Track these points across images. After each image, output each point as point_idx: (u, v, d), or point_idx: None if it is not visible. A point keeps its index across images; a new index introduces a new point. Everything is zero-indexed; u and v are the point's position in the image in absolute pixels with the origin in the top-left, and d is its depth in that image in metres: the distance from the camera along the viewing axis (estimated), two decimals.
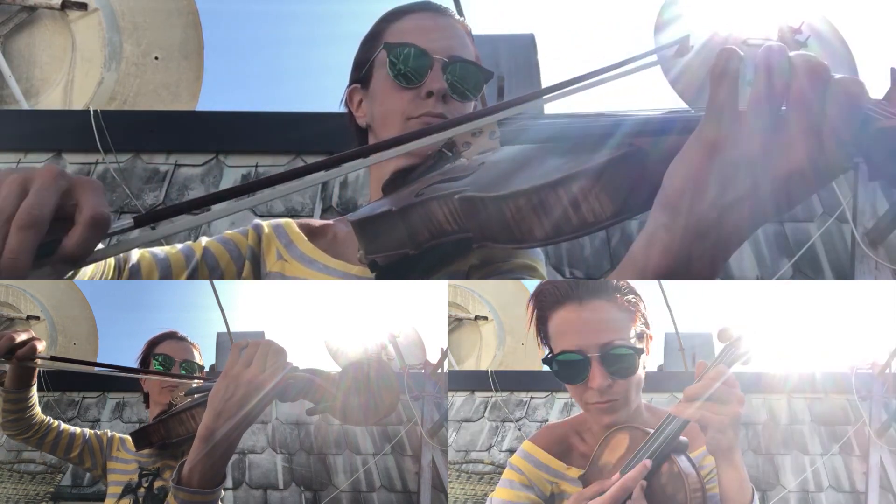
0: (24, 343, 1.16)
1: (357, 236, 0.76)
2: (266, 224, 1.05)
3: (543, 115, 0.70)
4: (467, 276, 0.90)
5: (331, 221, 1.07)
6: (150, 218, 0.61)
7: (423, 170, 0.79)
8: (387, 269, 0.81)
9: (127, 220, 0.59)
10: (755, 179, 0.47)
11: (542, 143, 0.68)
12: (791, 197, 0.48)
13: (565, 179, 0.58)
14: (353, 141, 1.10)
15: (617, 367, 0.90)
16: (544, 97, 0.71)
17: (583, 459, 0.97)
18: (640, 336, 0.94)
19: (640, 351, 0.93)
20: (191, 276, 0.97)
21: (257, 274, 1.02)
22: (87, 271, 0.80)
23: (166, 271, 0.96)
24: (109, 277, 0.89)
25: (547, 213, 0.59)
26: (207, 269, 0.99)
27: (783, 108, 0.48)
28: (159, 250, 0.98)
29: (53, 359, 1.34)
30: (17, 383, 1.35)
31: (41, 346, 1.19)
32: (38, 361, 1.22)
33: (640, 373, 0.94)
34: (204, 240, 1.02)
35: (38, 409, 1.44)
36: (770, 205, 0.48)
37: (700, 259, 0.51)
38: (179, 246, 1.01)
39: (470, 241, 0.66)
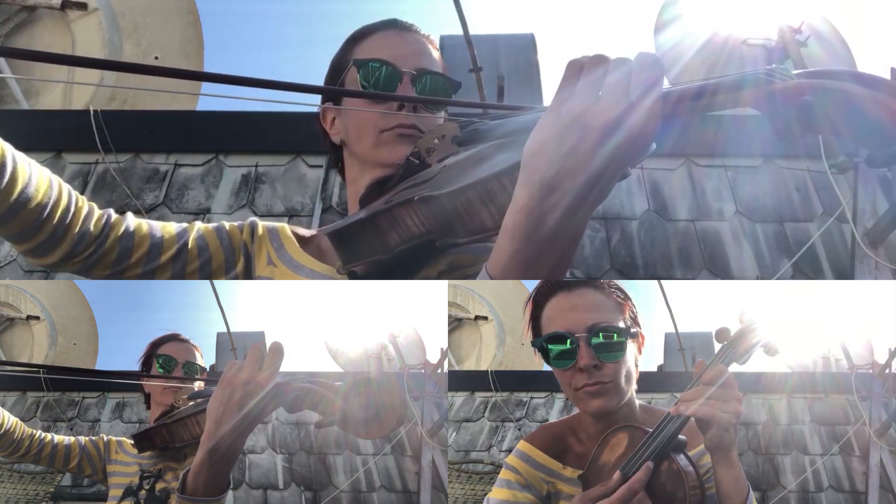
0: None
1: (334, 248, 0.78)
2: (261, 225, 1.06)
3: (495, 114, 0.74)
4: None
5: (315, 232, 1.09)
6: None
7: (396, 180, 0.82)
8: (365, 279, 0.83)
9: None
10: (583, 132, 0.57)
11: (498, 140, 0.72)
12: (618, 153, 0.57)
13: (508, 168, 0.63)
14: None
15: (604, 348, 0.93)
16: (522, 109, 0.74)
17: (579, 459, 0.98)
18: (629, 328, 0.96)
19: (628, 334, 0.95)
20: (177, 255, 0.99)
21: (248, 271, 1.04)
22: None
23: (157, 248, 0.98)
24: (97, 229, 0.93)
25: (493, 202, 0.65)
26: (197, 250, 1.00)
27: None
28: (157, 225, 1.00)
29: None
30: None
31: None
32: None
33: (631, 365, 0.96)
34: (199, 224, 1.05)
35: (18, 426, 1.43)
36: (598, 157, 0.57)
37: (552, 212, 0.58)
38: (174, 226, 1.02)
39: (433, 242, 0.71)
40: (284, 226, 1.07)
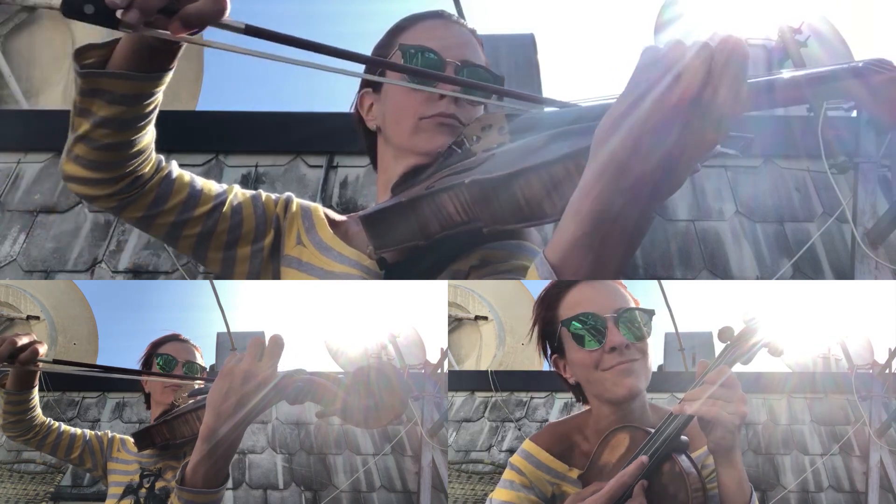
0: (25, 347, 1.17)
1: (366, 232, 0.77)
2: (296, 202, 1.07)
3: (547, 108, 0.72)
4: (467, 276, 0.90)
5: (345, 218, 1.08)
6: (256, 31, 0.70)
7: (433, 169, 0.80)
8: (394, 266, 0.81)
9: (241, 24, 0.69)
10: (659, 116, 0.54)
11: (547, 132, 0.69)
12: (695, 142, 0.55)
13: (573, 154, 0.60)
14: (358, 142, 1.11)
15: (632, 328, 0.95)
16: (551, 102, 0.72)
17: (585, 459, 0.97)
18: (650, 313, 0.99)
19: (652, 313, 0.98)
20: (211, 211, 0.99)
21: (276, 246, 1.03)
22: (145, 138, 0.92)
23: (195, 199, 0.99)
24: (151, 169, 0.94)
25: (556, 188, 0.62)
26: (231, 211, 1.01)
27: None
28: (198, 179, 1.01)
29: (56, 362, 1.34)
30: (19, 385, 1.35)
31: (42, 350, 1.20)
32: (40, 364, 1.22)
33: (651, 346, 0.98)
34: (237, 188, 1.05)
35: (39, 411, 1.45)
36: (676, 139, 0.55)
37: (621, 196, 0.56)
38: (214, 184, 1.03)
39: (476, 234, 0.68)
40: (318, 206, 1.07)
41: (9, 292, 3.80)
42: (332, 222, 1.05)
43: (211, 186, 1.01)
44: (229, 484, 3.18)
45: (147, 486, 1.42)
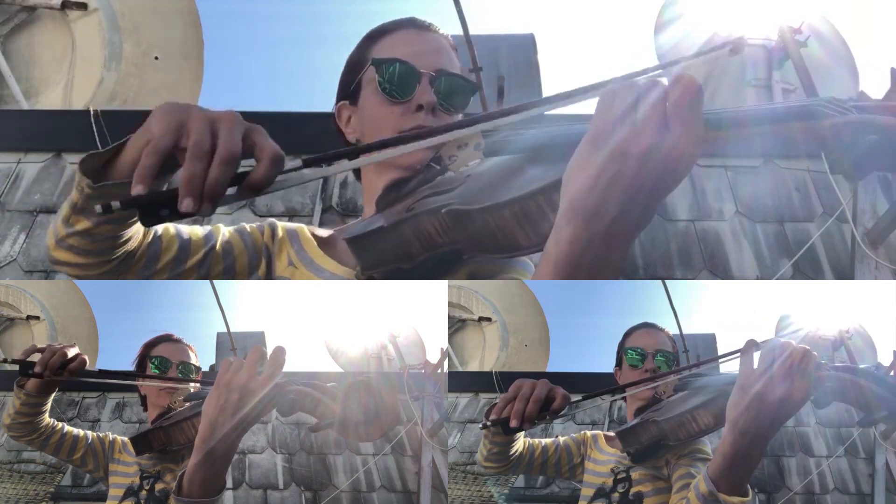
0: (74, 358, 1.23)
1: (353, 253, 0.77)
2: (281, 226, 1.06)
3: (525, 126, 0.72)
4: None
5: (332, 232, 1.08)
6: (317, 160, 0.72)
7: (414, 184, 0.81)
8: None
9: (297, 162, 0.71)
10: (623, 160, 0.56)
11: (525, 152, 0.70)
12: (659, 178, 0.57)
13: (545, 188, 0.62)
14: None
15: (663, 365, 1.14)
16: (537, 107, 0.71)
17: None
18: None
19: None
20: (203, 260, 0.99)
21: (269, 273, 1.04)
22: (130, 232, 0.88)
23: (185, 250, 0.98)
24: (139, 242, 0.92)
25: (529, 222, 0.63)
26: (222, 253, 1.01)
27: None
28: (184, 229, 1.00)
29: (102, 373, 1.35)
30: (43, 390, 1.36)
31: (87, 361, 1.26)
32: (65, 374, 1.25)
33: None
34: (223, 227, 1.04)
35: (48, 413, 1.44)
36: (644, 184, 0.56)
37: (599, 243, 0.58)
38: (200, 229, 1.02)
39: (460, 254, 0.69)
40: (303, 227, 1.07)
41: (9, 292, 3.80)
42: (319, 240, 1.04)
43: (197, 232, 1.01)
44: (229, 484, 3.19)
45: (147, 487, 1.42)
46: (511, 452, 1.44)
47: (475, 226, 0.66)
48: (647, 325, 1.63)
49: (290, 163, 0.70)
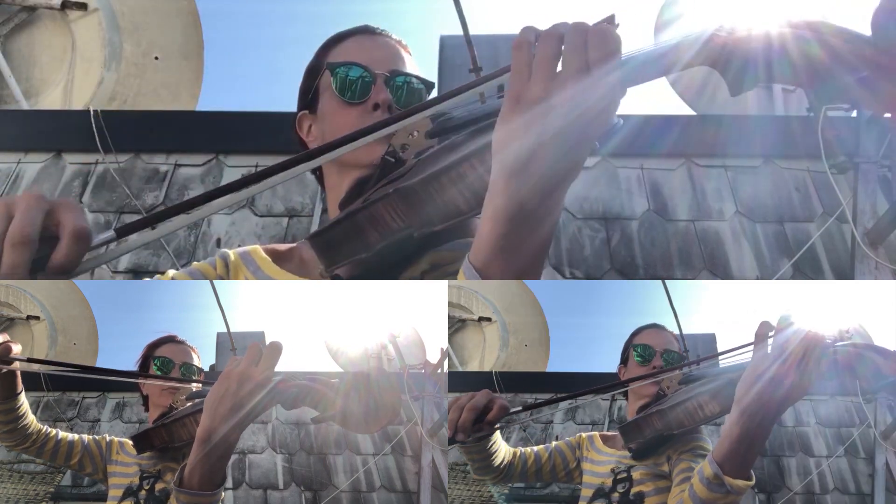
0: None
1: (315, 252, 0.78)
2: (233, 252, 1.07)
3: (468, 103, 0.74)
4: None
5: (295, 245, 1.09)
6: (129, 229, 0.70)
7: (373, 181, 0.83)
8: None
9: (109, 233, 0.68)
10: (546, 114, 0.57)
11: (466, 128, 0.72)
12: (583, 128, 0.58)
13: (477, 150, 0.64)
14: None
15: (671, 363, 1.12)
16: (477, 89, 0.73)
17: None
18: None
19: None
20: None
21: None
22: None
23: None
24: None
25: (466, 186, 0.66)
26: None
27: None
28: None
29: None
30: (2, 393, 1.31)
31: (16, 349, 1.16)
32: (17, 364, 1.19)
33: None
34: (172, 272, 1.05)
35: (31, 418, 1.42)
36: (570, 136, 0.58)
37: (530, 194, 0.59)
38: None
39: (422, 239, 0.71)
40: (256, 247, 1.08)
41: (9, 292, 3.80)
42: (278, 257, 1.05)
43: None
44: (229, 484, 3.19)
45: (147, 487, 1.42)
46: (496, 464, 1.41)
47: (419, 198, 0.68)
48: (655, 326, 1.64)
49: (103, 235, 0.67)
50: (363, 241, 0.73)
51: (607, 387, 1.53)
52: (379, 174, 0.82)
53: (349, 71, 1.01)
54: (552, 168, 0.59)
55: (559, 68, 0.59)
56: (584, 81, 0.57)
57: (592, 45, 0.58)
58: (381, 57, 1.03)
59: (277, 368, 0.82)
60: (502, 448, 1.43)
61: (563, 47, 0.59)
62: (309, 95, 1.09)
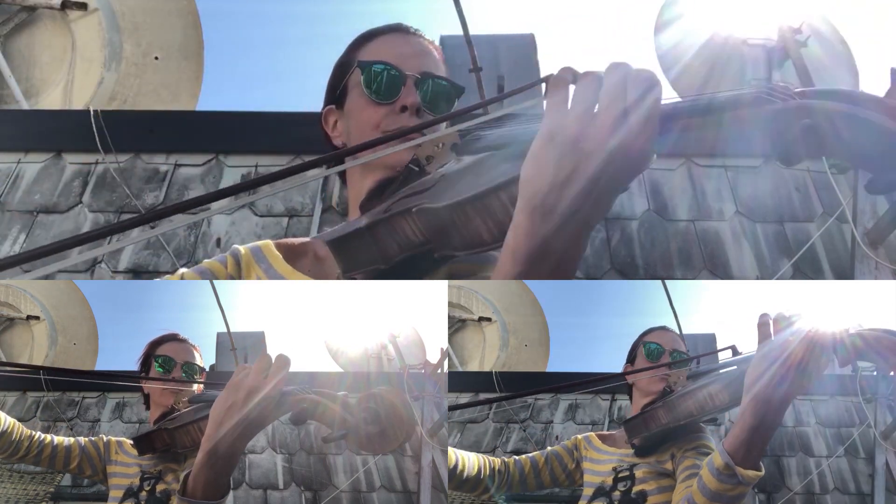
0: None
1: (333, 256, 0.78)
2: (244, 248, 1.03)
3: (497, 123, 0.73)
4: None
5: (308, 240, 1.07)
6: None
7: (395, 186, 0.82)
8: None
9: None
10: (579, 157, 0.56)
11: (494, 149, 0.71)
12: (616, 174, 0.57)
13: (506, 184, 0.63)
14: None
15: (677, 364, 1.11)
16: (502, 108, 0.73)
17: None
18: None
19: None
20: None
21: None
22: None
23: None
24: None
25: (491, 217, 0.65)
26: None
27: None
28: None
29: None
30: None
31: None
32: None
33: None
34: (182, 271, 1.02)
35: (16, 428, 1.42)
36: (601, 180, 0.57)
37: (554, 236, 0.59)
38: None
39: (433, 253, 0.70)
40: (269, 243, 1.04)
41: (9, 292, 3.80)
42: (292, 252, 1.02)
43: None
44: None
45: (147, 488, 1.41)
46: (464, 477, 1.40)
47: (442, 223, 0.67)
48: (664, 328, 1.67)
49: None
50: (382, 251, 0.74)
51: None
52: (401, 181, 0.81)
53: (379, 70, 0.99)
54: (579, 211, 0.57)
55: (595, 109, 0.58)
56: (621, 128, 0.56)
57: (632, 88, 0.56)
58: (412, 57, 1.02)
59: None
60: (468, 462, 1.42)
61: (601, 87, 0.58)
62: (337, 91, 1.07)
